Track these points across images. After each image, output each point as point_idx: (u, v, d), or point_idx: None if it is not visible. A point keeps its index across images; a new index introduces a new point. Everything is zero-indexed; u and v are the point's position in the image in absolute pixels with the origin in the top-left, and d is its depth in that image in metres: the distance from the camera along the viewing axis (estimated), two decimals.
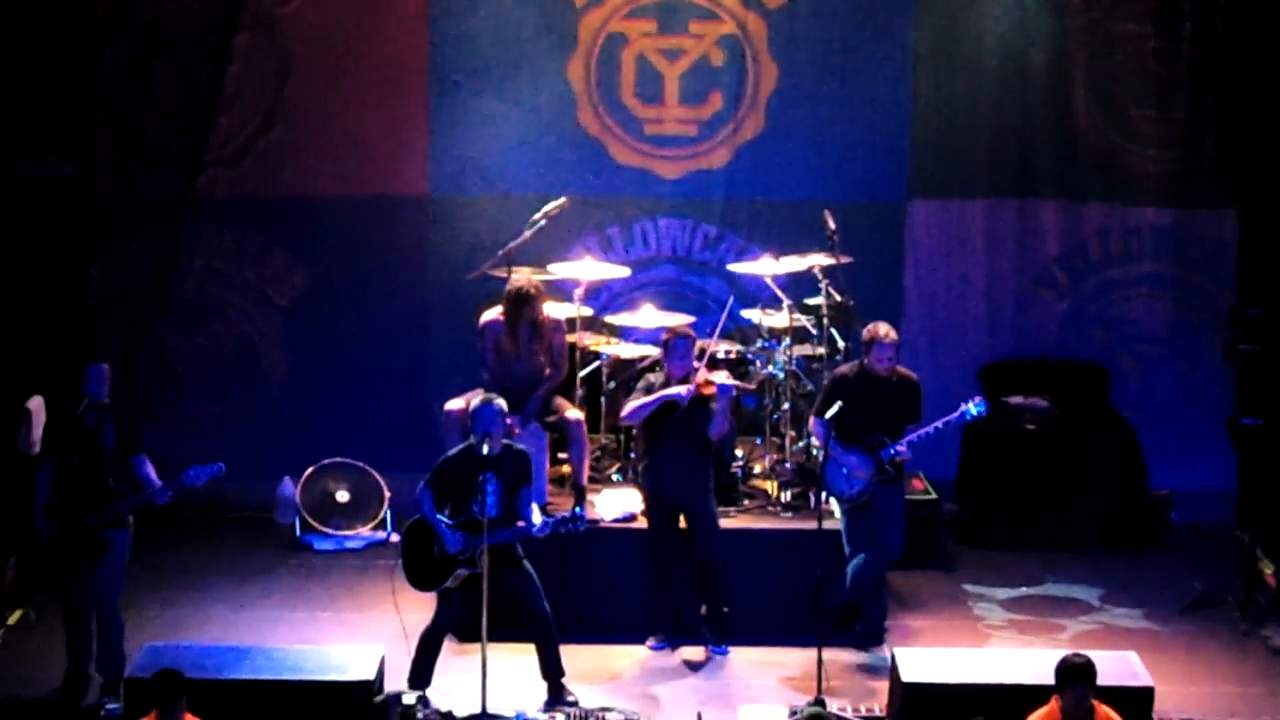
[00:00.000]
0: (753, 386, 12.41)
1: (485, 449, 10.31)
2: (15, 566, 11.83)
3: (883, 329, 11.29)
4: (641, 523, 11.74)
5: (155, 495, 10.53)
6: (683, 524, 11.53)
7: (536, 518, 10.51)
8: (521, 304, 11.88)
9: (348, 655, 10.31)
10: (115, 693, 10.36)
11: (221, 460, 10.54)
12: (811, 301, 12.67)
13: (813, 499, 11.91)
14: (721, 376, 11.58)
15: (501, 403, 10.58)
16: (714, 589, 11.51)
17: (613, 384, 12.70)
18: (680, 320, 12.91)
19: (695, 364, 11.48)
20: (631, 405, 11.46)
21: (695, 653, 11.51)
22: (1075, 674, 8.95)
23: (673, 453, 11.38)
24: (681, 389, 11.31)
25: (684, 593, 11.61)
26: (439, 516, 10.50)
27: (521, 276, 12.19)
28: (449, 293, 13.73)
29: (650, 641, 11.55)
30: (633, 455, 12.28)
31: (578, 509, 10.72)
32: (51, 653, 10.89)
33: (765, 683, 11.11)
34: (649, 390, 11.47)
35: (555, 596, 10.73)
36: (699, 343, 11.75)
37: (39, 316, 13.21)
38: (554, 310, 12.33)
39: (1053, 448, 13.55)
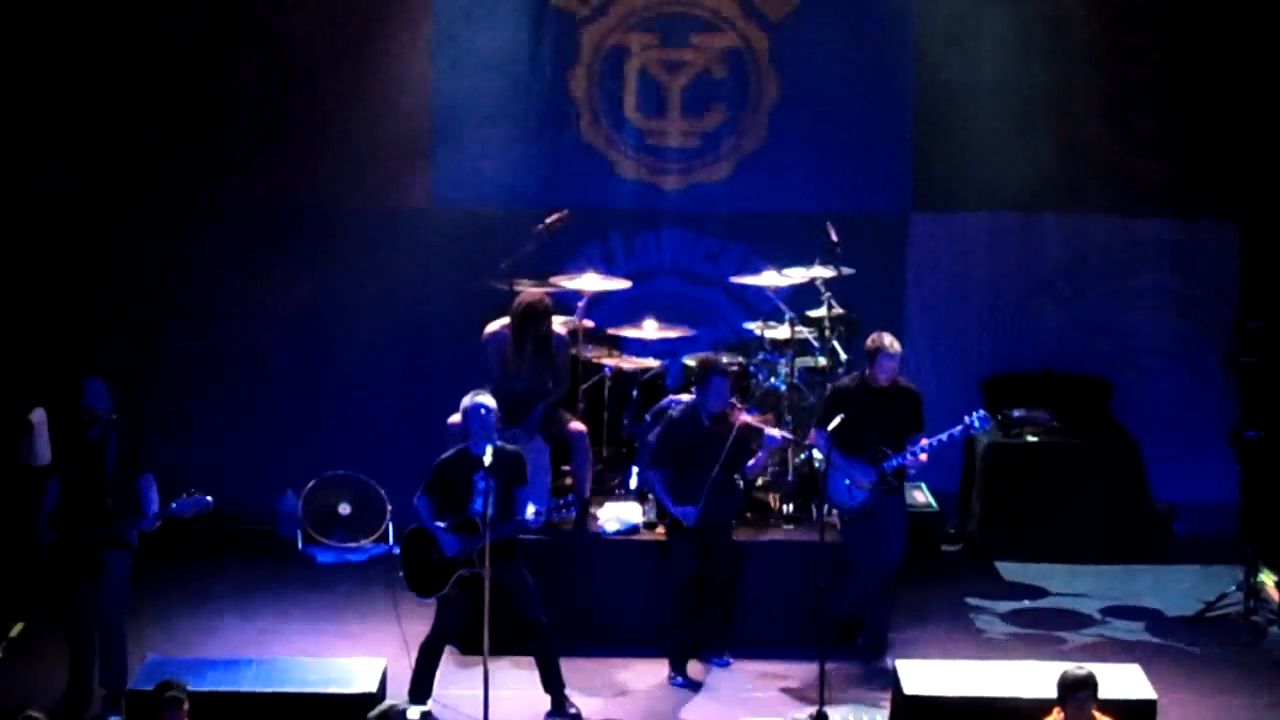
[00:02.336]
0: (795, 439, 12.18)
1: (479, 449, 10.31)
2: (18, 578, 11.83)
3: (887, 340, 11.29)
4: (644, 535, 11.75)
5: (145, 522, 10.50)
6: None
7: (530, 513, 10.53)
8: (530, 319, 11.83)
9: (350, 667, 10.33)
10: (117, 705, 10.38)
11: (221, 476, 10.54)
12: (814, 314, 12.67)
13: (814, 510, 11.91)
14: (774, 430, 11.52)
15: (491, 401, 10.58)
16: (725, 606, 11.49)
17: (615, 396, 12.69)
18: (682, 332, 12.94)
19: (732, 400, 11.38)
20: (654, 484, 11.28)
21: (696, 665, 11.47)
22: (1077, 686, 8.94)
23: (718, 487, 11.21)
24: (688, 512, 11.10)
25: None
26: (436, 522, 10.51)
27: (533, 291, 12.16)
28: (451, 304, 13.73)
29: (676, 679, 11.31)
30: (635, 465, 12.27)
31: (569, 496, 10.72)
32: (54, 665, 10.89)
33: (767, 694, 11.11)
34: (671, 427, 11.27)
35: (557, 608, 10.73)
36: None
37: (43, 328, 13.21)
38: (557, 323, 12.33)
39: (1055, 459, 13.54)
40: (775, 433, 11.56)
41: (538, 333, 11.86)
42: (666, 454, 11.30)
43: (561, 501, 10.55)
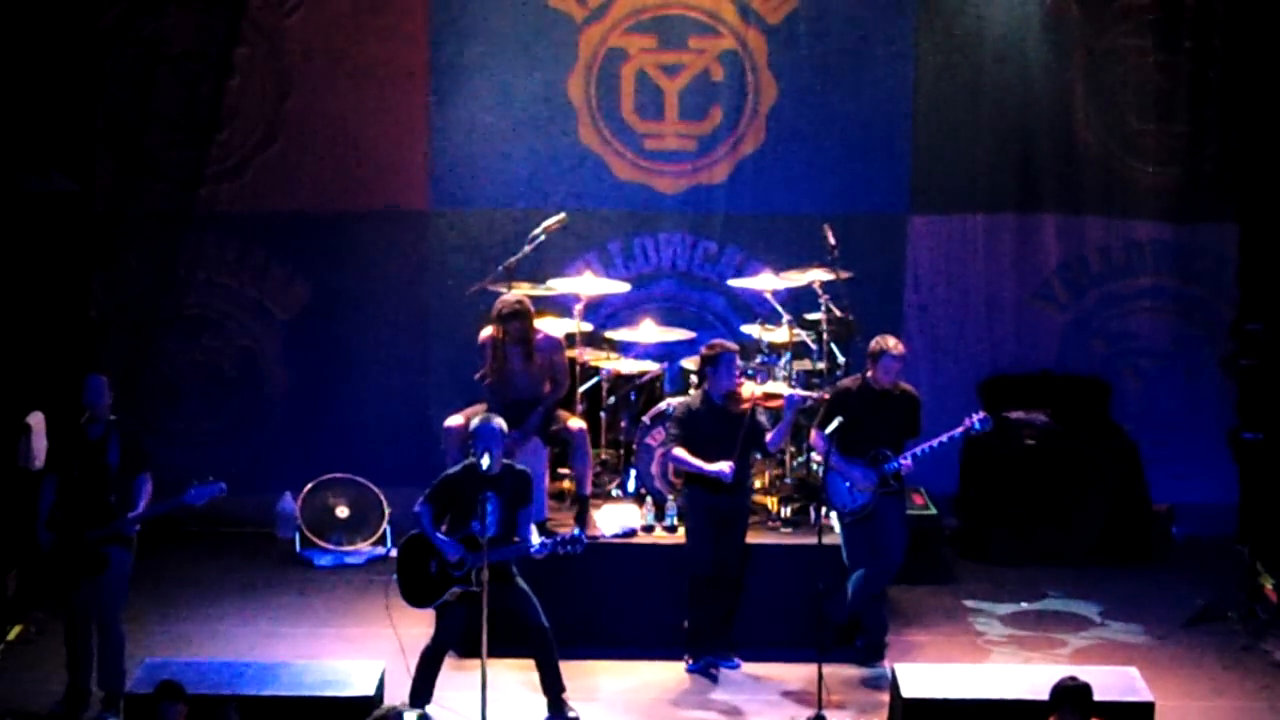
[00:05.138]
0: (817, 395, 12.14)
1: (486, 467, 10.31)
2: (16, 581, 11.83)
3: (890, 341, 11.28)
4: (642, 538, 11.74)
5: (152, 511, 10.51)
6: None
7: (535, 538, 10.51)
8: (509, 321, 11.82)
9: (348, 671, 10.33)
10: (115, 708, 10.39)
11: (222, 479, 10.53)
12: (811, 316, 12.67)
13: (813, 514, 11.91)
14: (793, 391, 11.52)
15: (501, 422, 10.58)
16: (732, 607, 11.49)
17: (613, 399, 12.71)
18: (680, 335, 12.96)
19: (740, 379, 11.39)
20: (683, 458, 11.18)
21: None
22: (1066, 699, 8.92)
23: (740, 470, 11.26)
24: (725, 467, 11.07)
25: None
26: (437, 532, 10.51)
27: (511, 294, 12.12)
28: (449, 307, 13.73)
29: (689, 662, 11.44)
30: (633, 468, 12.27)
31: (578, 530, 10.69)
32: (52, 668, 10.90)
33: (766, 698, 11.11)
34: (689, 416, 11.26)
35: (556, 612, 10.72)
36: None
37: (40, 331, 13.21)
38: (554, 326, 12.32)
39: (1053, 462, 13.54)
40: (795, 392, 11.55)
41: (519, 335, 11.81)
42: (686, 435, 11.29)
43: (568, 537, 10.50)
